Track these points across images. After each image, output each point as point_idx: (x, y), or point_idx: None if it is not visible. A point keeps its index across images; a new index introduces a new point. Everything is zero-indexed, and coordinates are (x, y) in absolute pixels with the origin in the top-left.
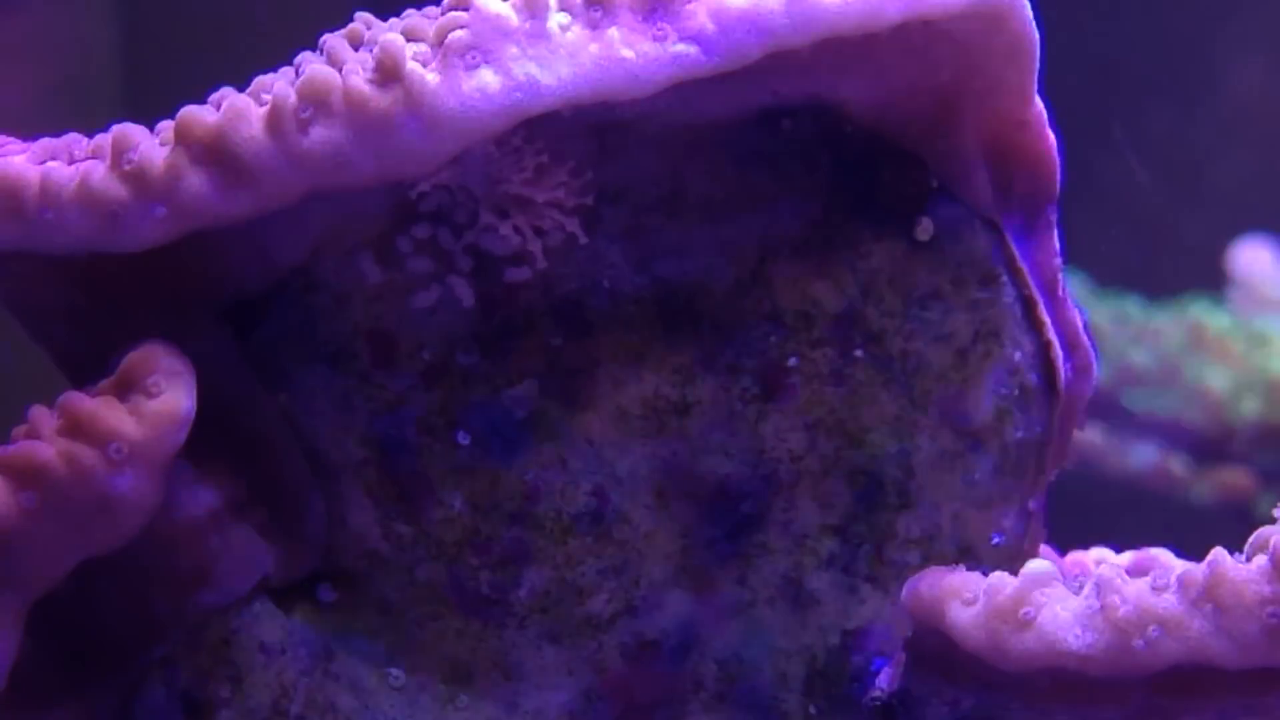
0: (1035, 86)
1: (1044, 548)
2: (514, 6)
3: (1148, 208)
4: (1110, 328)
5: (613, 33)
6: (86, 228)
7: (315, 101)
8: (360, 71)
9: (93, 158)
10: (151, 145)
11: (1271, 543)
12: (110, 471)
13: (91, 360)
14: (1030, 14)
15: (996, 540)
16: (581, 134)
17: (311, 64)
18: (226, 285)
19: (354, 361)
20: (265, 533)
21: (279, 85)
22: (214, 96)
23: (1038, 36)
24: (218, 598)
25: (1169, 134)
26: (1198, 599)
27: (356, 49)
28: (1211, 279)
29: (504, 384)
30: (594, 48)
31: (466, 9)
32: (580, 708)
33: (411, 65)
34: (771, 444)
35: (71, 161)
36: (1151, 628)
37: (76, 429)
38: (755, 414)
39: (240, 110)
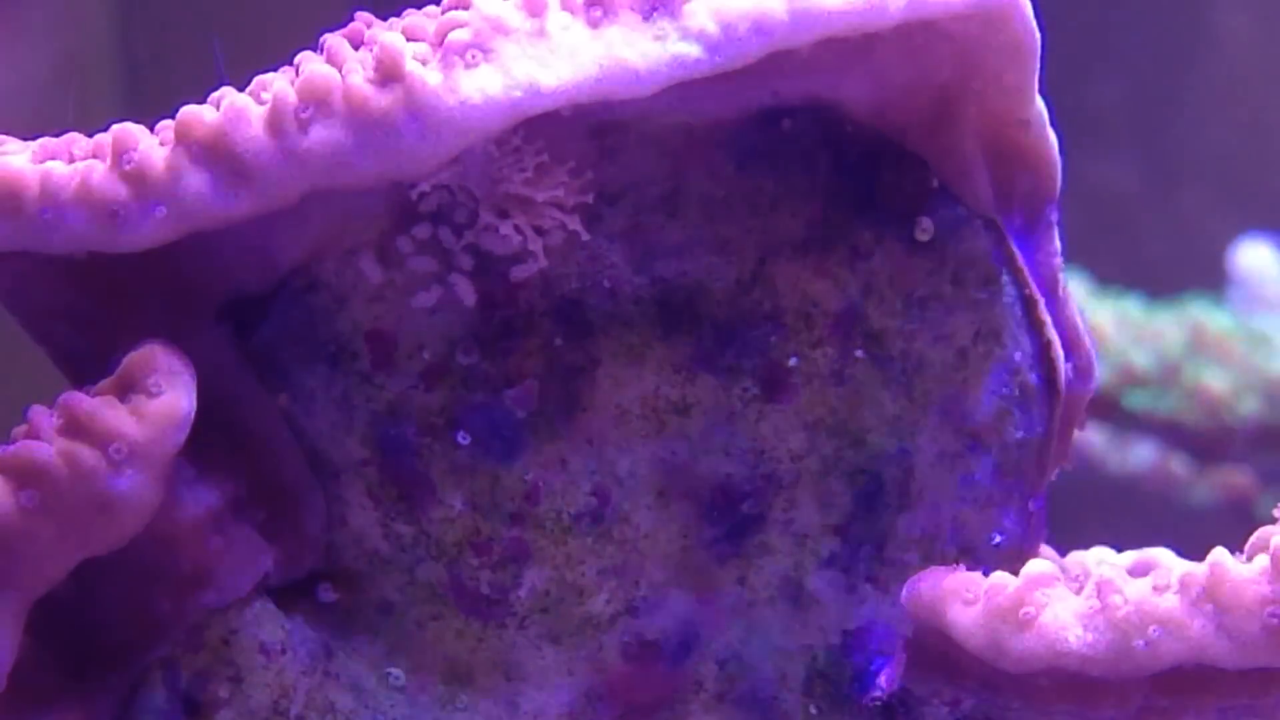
0: (1036, 86)
1: (1044, 548)
2: (515, 6)
3: (1148, 207)
4: (1110, 328)
5: (613, 32)
6: (86, 227)
7: (315, 101)
8: (360, 71)
9: (93, 157)
10: (151, 145)
11: (1272, 543)
12: (110, 471)
13: (91, 360)
14: (1031, 14)
15: (996, 540)
16: (581, 134)
17: (311, 63)
18: (227, 285)
19: (354, 361)
20: (265, 532)
21: (279, 85)
22: (214, 96)
23: (1039, 36)
24: (218, 598)
25: (1167, 133)
26: (1198, 599)
27: (356, 49)
28: (1211, 279)
29: (504, 384)
30: (594, 47)
31: (467, 8)
32: (580, 708)
33: (411, 64)
34: (772, 444)
35: (71, 161)
36: (1152, 628)
37: (76, 429)
38: (755, 414)
39: (240, 110)
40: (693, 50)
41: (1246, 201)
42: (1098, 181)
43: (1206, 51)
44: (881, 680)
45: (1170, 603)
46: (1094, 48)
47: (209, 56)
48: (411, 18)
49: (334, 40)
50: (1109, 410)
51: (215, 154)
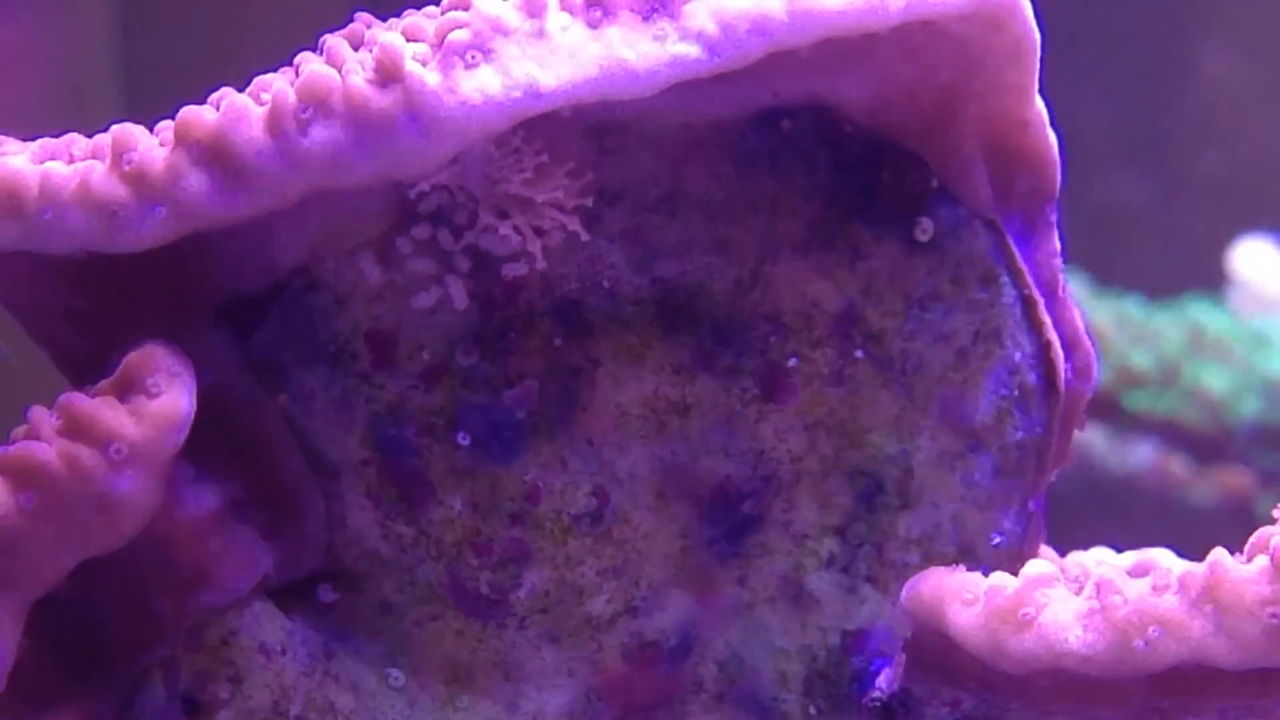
0: (1036, 87)
1: (1044, 548)
2: (514, 6)
3: (1148, 207)
4: (1110, 328)
5: (613, 32)
6: (86, 228)
7: (315, 101)
8: (360, 71)
9: (92, 158)
10: (151, 145)
11: (1272, 543)
12: (110, 472)
13: (91, 360)
14: (1031, 14)
15: (996, 540)
16: (581, 134)
17: (311, 64)
18: (227, 285)
19: (354, 361)
20: (265, 533)
21: (279, 85)
22: (214, 96)
23: (1039, 37)
24: (218, 598)
25: (1166, 134)
26: (1198, 599)
27: (356, 49)
28: (1211, 279)
29: (504, 384)
30: (594, 48)
31: (466, 9)
32: (580, 708)
33: (411, 65)
34: (771, 444)
35: (71, 161)
36: (1152, 628)
37: (76, 429)
38: (755, 414)
39: (240, 110)
40: (692, 50)
41: (1235, 211)
42: (1095, 197)
43: (1188, 81)
44: (881, 681)
45: (1170, 603)
46: (1079, 77)
47: (209, 57)
48: (411, 18)
49: (334, 40)
50: (1109, 410)
51: (215, 154)
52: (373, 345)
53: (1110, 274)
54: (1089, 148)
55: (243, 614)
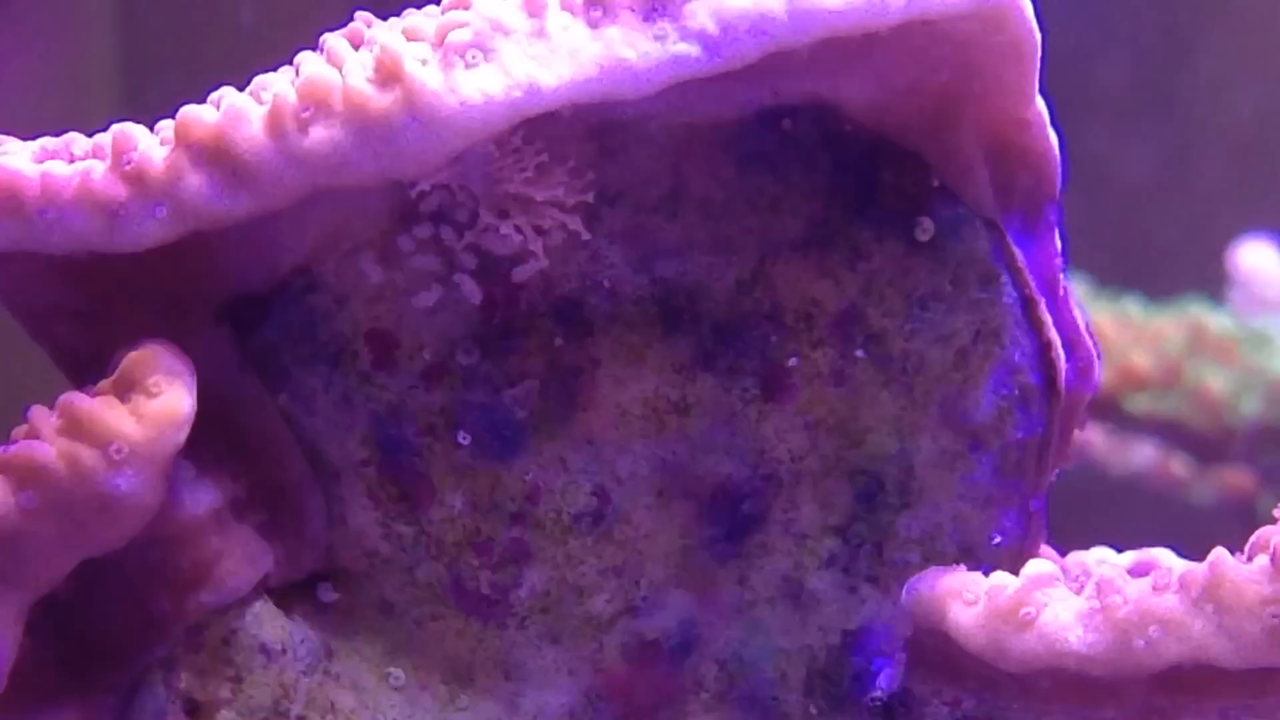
0: (1036, 86)
1: (1044, 548)
2: (515, 6)
3: (1148, 208)
4: (1110, 328)
5: (613, 32)
6: (86, 227)
7: (315, 101)
8: (360, 71)
9: (93, 157)
10: (152, 145)
11: (1272, 543)
12: (111, 471)
13: (91, 360)
14: (1031, 14)
15: (997, 540)
16: (581, 134)
17: (311, 64)
18: (227, 285)
19: (354, 361)
20: (266, 533)
21: (279, 85)
22: (214, 96)
23: (1039, 37)
24: (218, 598)
25: (1166, 135)
26: (1199, 599)
27: (357, 49)
28: (1211, 279)
29: (504, 384)
30: (594, 47)
31: (467, 8)
32: (581, 708)
33: (411, 65)
34: (772, 444)
35: (71, 161)
36: (1152, 628)
37: (77, 429)
38: (755, 414)
39: (240, 110)
40: (693, 50)
41: (1258, 185)
42: (1105, 166)
43: (1215, 23)
44: (881, 680)
45: (1170, 603)
46: (1098, 27)
47: (209, 57)
48: (411, 18)
49: (334, 40)
50: (1109, 410)
51: (215, 154)
52: (373, 345)
53: (1110, 273)
54: (1098, 125)
55: (243, 614)
